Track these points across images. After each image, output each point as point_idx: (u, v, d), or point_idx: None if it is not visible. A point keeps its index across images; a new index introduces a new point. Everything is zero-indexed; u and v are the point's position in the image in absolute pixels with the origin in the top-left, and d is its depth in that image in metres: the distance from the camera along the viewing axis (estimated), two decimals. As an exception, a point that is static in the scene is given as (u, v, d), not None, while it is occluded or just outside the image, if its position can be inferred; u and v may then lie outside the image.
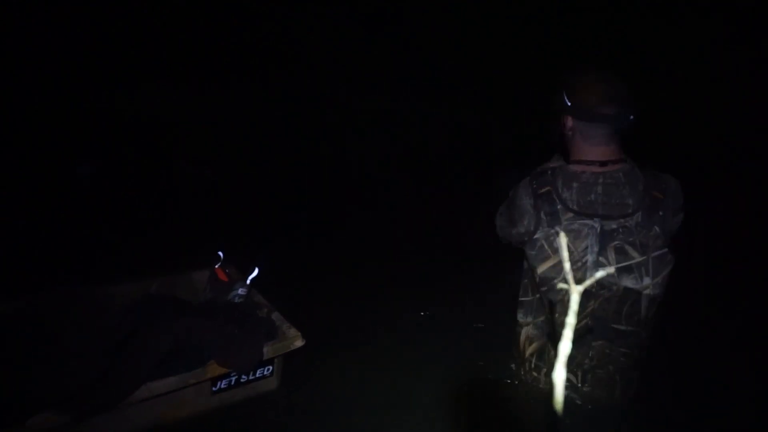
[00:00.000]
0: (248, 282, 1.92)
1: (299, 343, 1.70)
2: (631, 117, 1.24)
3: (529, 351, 1.39)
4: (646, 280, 1.19)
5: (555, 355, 1.31)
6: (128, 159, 4.19)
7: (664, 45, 4.89)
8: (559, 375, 0.50)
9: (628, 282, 1.20)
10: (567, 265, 0.53)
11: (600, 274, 0.53)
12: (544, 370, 1.35)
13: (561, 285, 1.29)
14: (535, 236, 1.28)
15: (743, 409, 1.75)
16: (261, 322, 1.74)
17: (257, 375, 1.70)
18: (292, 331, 1.73)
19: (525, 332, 1.39)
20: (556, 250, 1.25)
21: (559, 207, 1.25)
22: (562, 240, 1.18)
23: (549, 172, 1.31)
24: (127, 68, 4.78)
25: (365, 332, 2.22)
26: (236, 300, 1.86)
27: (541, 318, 1.38)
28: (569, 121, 1.31)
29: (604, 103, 1.23)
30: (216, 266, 2.03)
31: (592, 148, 1.27)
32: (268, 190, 4.14)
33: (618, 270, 1.20)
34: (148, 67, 4.99)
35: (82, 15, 4.54)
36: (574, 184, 1.26)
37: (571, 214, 1.24)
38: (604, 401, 1.29)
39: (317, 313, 2.24)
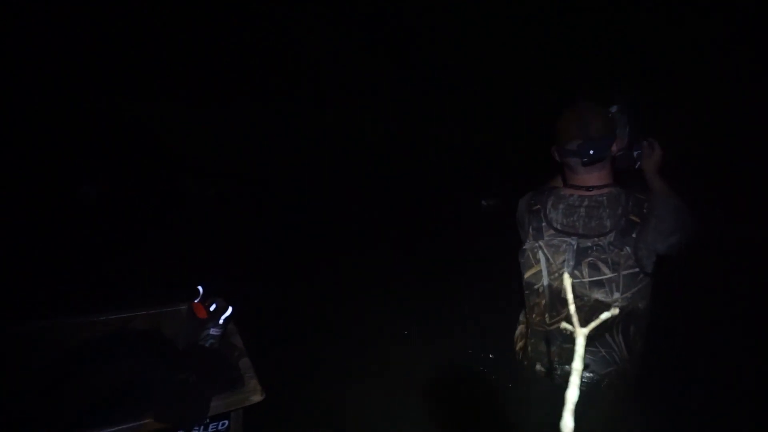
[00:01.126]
0: (221, 322, 1.79)
1: (257, 398, 1.52)
2: (592, 152, 1.36)
3: (518, 345, 1.58)
4: (616, 295, 1.31)
5: (530, 352, 1.45)
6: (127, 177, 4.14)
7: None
8: (567, 424, 0.51)
9: (598, 295, 1.32)
10: (572, 308, 0.53)
11: (605, 316, 0.55)
12: (526, 362, 1.52)
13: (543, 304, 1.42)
14: (524, 246, 1.47)
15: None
16: (223, 369, 1.57)
17: (210, 430, 1.50)
18: (253, 384, 1.55)
19: (519, 330, 1.58)
20: (539, 261, 1.41)
21: (543, 224, 1.43)
22: (540, 253, 1.41)
23: (546, 192, 1.49)
24: (123, 81, 4.75)
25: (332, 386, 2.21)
26: (208, 342, 1.73)
27: (522, 320, 1.58)
28: (555, 154, 1.49)
29: (570, 139, 1.39)
30: (194, 301, 1.87)
31: (577, 176, 1.43)
32: (266, 211, 4.14)
33: (590, 283, 1.32)
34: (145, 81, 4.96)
35: (85, 26, 4.51)
36: (561, 205, 1.43)
37: (552, 231, 1.41)
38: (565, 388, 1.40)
39: (295, 357, 2.15)
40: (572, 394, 0.51)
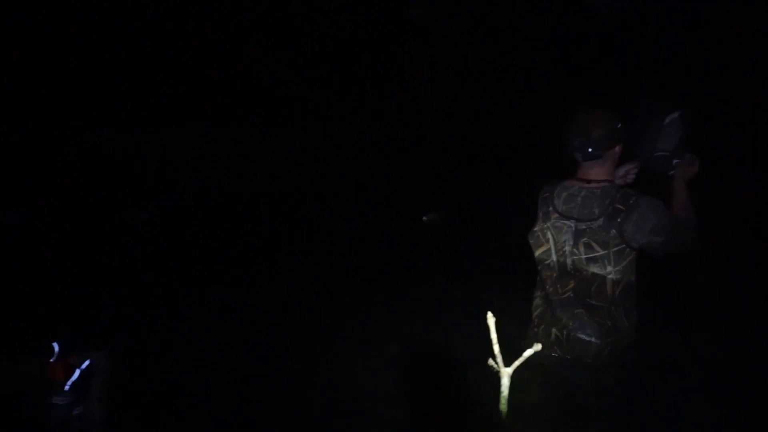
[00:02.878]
0: (67, 388, 1.58)
1: None
2: (590, 149, 1.59)
3: (534, 314, 1.79)
4: (609, 268, 1.56)
5: (548, 317, 1.69)
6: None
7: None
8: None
9: (594, 269, 1.58)
10: (496, 348, 0.64)
11: (528, 353, 0.66)
12: (542, 326, 1.73)
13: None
14: (534, 228, 1.72)
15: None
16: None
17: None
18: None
19: (534, 303, 1.81)
20: (548, 240, 1.67)
21: (550, 209, 1.68)
22: (549, 233, 1.67)
23: (556, 182, 1.73)
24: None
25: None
26: (55, 406, 1.54)
27: (540, 292, 1.81)
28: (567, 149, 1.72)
29: (574, 137, 1.62)
30: (50, 359, 1.61)
31: (580, 169, 1.67)
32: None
33: (586, 259, 1.58)
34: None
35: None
36: (564, 194, 1.67)
37: (557, 215, 1.66)
38: (580, 357, 1.63)
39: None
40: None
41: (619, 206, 1.54)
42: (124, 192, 4.95)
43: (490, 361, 0.65)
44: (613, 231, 1.53)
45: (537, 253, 1.71)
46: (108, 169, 5.37)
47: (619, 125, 1.63)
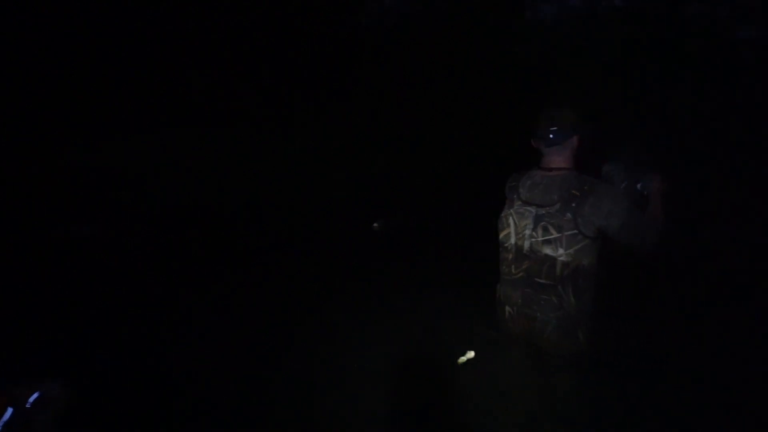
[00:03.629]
0: (2, 424, 1.25)
1: None
2: (551, 136, 1.76)
3: (497, 295, 1.97)
4: (560, 251, 1.70)
5: (503, 296, 1.90)
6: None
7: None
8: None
9: (547, 250, 1.73)
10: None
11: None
12: (500, 305, 1.94)
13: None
14: (501, 214, 1.89)
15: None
16: None
17: None
18: None
19: (498, 284, 1.99)
20: (509, 225, 1.84)
21: (515, 196, 1.84)
22: (511, 219, 1.83)
23: (523, 172, 1.88)
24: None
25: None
26: None
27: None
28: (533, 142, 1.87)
29: (538, 127, 1.80)
30: None
31: (544, 159, 1.83)
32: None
33: (542, 241, 1.73)
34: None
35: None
36: (528, 182, 1.83)
37: (520, 202, 1.81)
38: (527, 330, 1.83)
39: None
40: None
41: (575, 192, 1.68)
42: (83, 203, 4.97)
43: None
44: (568, 215, 1.66)
45: (500, 236, 1.89)
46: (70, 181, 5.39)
47: (577, 119, 1.80)
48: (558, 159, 1.80)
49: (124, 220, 4.83)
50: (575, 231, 1.67)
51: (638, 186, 1.91)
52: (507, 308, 1.87)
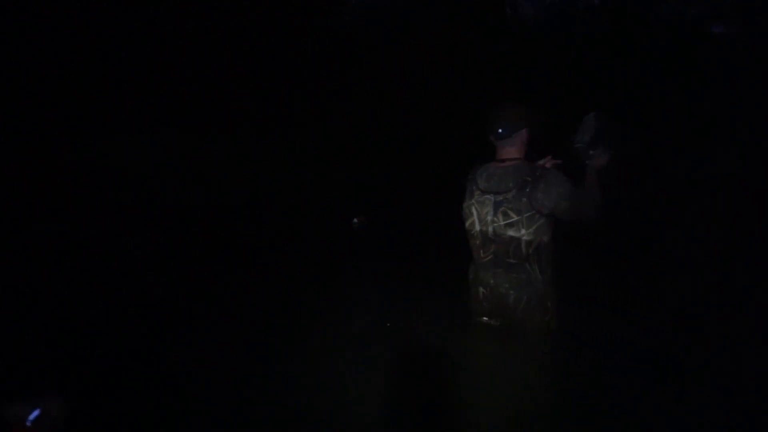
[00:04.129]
0: None
1: None
2: (500, 130, 1.89)
3: (469, 278, 2.10)
4: (523, 231, 1.86)
5: (476, 279, 2.03)
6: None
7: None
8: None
9: (511, 232, 1.87)
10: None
11: None
12: (473, 287, 2.07)
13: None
14: (463, 204, 2.01)
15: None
16: None
17: None
18: None
19: (469, 269, 2.10)
20: (473, 213, 1.97)
21: (474, 187, 1.97)
22: (473, 208, 1.96)
23: (479, 165, 2.00)
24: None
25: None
26: None
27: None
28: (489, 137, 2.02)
29: (490, 123, 1.93)
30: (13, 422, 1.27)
31: (497, 152, 1.96)
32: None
33: (504, 225, 1.87)
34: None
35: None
36: (485, 174, 1.96)
37: (479, 192, 1.94)
38: (500, 307, 1.97)
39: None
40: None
41: (527, 178, 1.84)
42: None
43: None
44: (524, 199, 1.82)
45: (466, 225, 2.01)
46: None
47: (525, 113, 1.93)
48: (510, 150, 1.92)
49: (123, 220, 4.79)
50: (533, 212, 1.82)
51: (590, 152, 1.97)
52: (480, 288, 2.01)
